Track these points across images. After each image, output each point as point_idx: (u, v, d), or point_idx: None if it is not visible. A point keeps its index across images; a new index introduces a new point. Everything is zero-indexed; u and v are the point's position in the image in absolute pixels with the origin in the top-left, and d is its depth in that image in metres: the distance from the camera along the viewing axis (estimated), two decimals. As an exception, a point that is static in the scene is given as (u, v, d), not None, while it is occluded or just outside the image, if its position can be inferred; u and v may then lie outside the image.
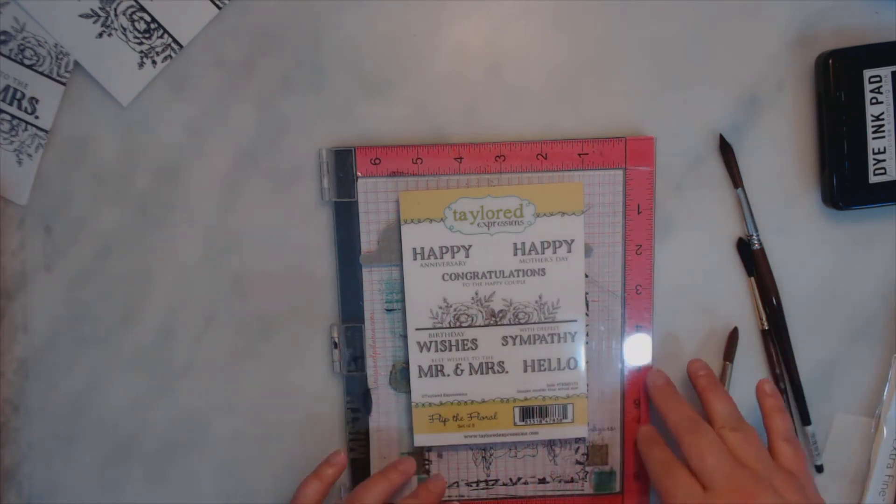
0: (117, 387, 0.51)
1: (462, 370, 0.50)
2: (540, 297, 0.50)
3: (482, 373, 0.50)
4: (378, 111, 0.50)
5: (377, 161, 0.49)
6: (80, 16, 0.48)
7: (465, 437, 0.51)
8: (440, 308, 0.50)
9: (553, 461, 0.52)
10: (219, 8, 0.49)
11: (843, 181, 0.49)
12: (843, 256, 0.51)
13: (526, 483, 0.52)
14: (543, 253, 0.49)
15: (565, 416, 0.51)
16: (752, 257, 0.50)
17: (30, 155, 0.49)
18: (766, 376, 0.51)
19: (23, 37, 0.48)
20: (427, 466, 0.52)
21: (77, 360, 0.51)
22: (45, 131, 0.49)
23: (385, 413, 0.51)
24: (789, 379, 0.51)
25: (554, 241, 0.49)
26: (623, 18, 0.49)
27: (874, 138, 0.48)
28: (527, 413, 0.51)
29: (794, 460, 0.45)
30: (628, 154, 0.49)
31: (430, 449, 0.52)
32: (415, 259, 0.49)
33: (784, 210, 0.51)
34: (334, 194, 0.49)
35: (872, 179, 0.48)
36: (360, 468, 0.51)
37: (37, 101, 0.49)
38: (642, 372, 0.51)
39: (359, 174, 0.49)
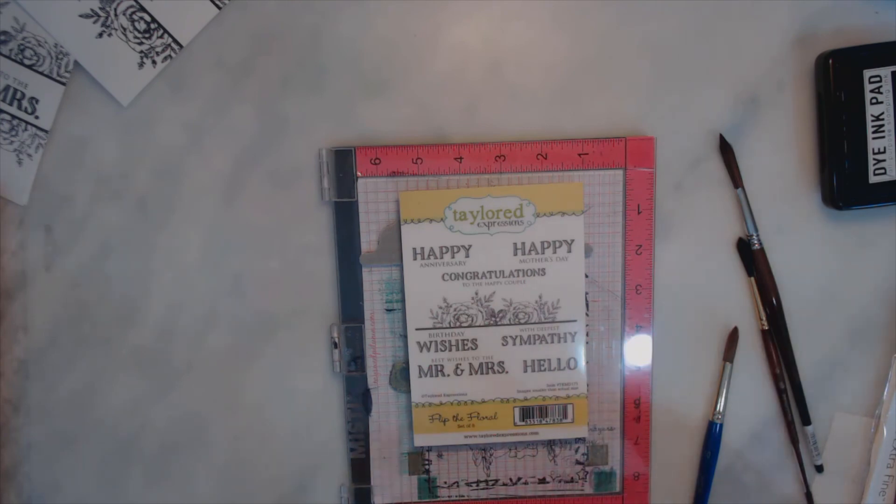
0: (117, 387, 0.51)
1: (462, 370, 0.50)
2: (540, 297, 0.50)
3: (482, 373, 0.50)
4: (378, 111, 0.50)
5: (377, 161, 0.49)
6: (80, 16, 0.48)
7: (465, 437, 0.51)
8: (440, 308, 0.50)
9: (553, 461, 0.52)
10: (219, 8, 0.49)
11: (843, 181, 0.49)
12: (843, 256, 0.51)
13: (526, 483, 0.52)
14: (543, 253, 0.49)
15: (565, 417, 0.51)
16: (752, 257, 0.50)
17: (30, 155, 0.49)
18: (766, 376, 0.51)
19: (23, 37, 0.48)
20: (427, 466, 0.52)
21: (77, 360, 0.51)
22: (45, 131, 0.49)
23: (385, 413, 0.51)
24: (789, 379, 0.51)
25: (554, 241, 0.49)
26: (623, 18, 0.49)
27: (874, 138, 0.48)
28: (527, 413, 0.51)
29: None
30: (628, 154, 0.49)
31: (430, 449, 0.52)
32: (415, 259, 0.49)
33: (784, 210, 0.51)
34: (334, 194, 0.49)
35: (872, 179, 0.48)
36: (360, 468, 0.51)
37: (37, 101, 0.49)
38: (642, 372, 0.51)
39: (359, 174, 0.49)
